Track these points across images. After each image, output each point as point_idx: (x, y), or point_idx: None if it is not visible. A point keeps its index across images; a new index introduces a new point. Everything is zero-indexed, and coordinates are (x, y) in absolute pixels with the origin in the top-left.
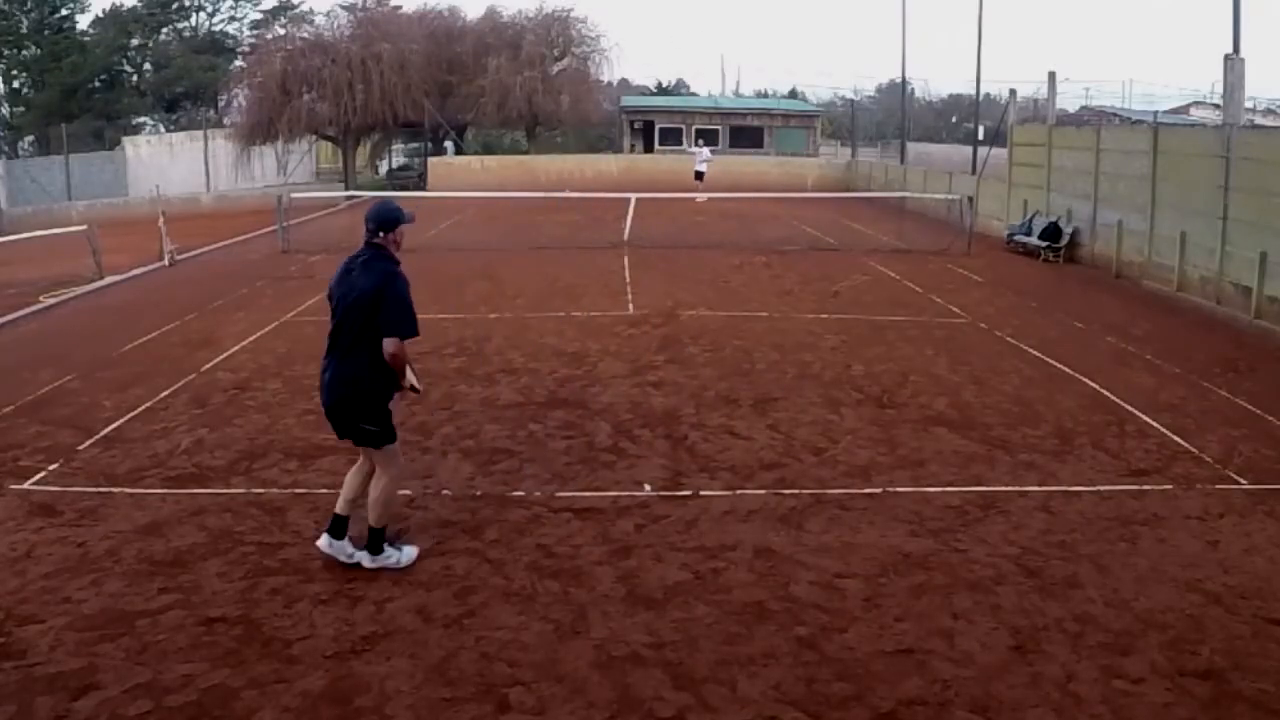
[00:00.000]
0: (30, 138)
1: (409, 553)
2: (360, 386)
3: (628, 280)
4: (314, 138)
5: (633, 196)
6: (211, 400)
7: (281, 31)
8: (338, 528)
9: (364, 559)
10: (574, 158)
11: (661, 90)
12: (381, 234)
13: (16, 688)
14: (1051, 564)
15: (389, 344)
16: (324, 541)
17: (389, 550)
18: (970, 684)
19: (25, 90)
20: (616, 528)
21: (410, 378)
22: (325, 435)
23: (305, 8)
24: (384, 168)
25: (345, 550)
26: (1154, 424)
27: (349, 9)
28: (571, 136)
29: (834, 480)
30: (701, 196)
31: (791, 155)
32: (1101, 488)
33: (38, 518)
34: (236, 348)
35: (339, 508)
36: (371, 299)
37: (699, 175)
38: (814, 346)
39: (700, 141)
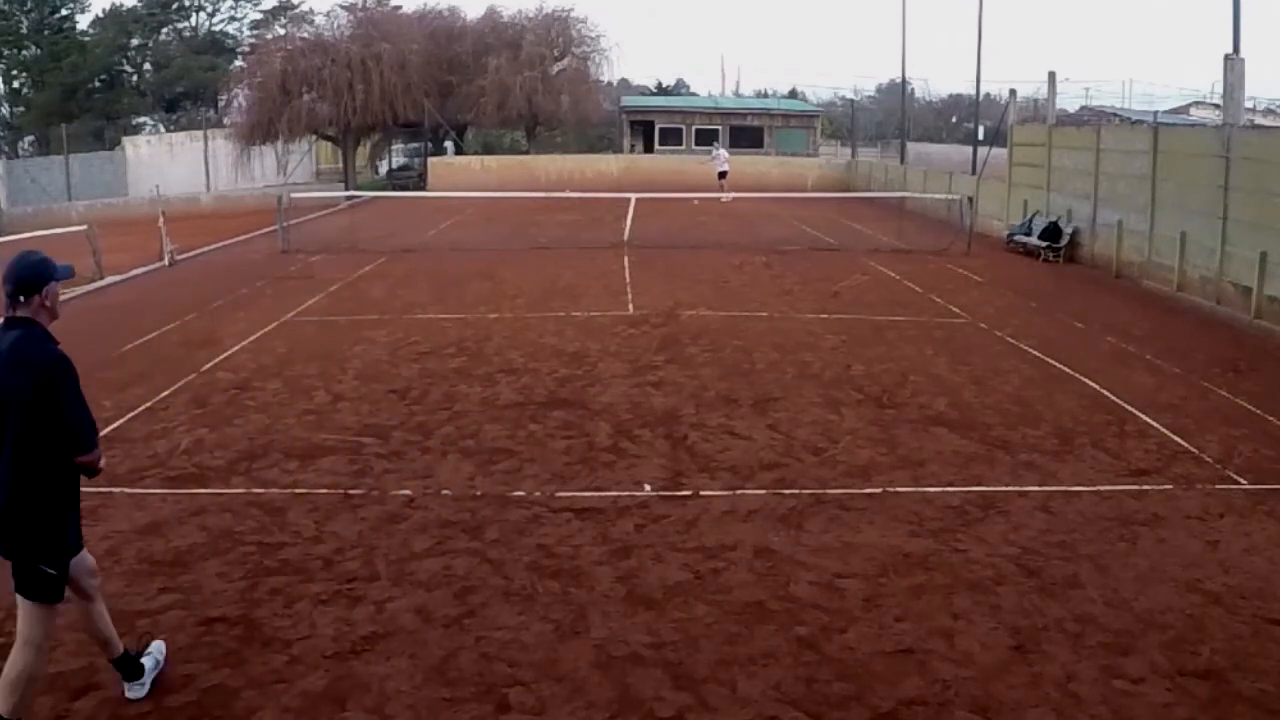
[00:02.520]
0: (30, 138)
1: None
2: (42, 511)
3: (628, 280)
4: (314, 138)
5: (633, 196)
6: (211, 400)
7: (281, 31)
8: (129, 667)
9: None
10: (574, 158)
11: (661, 90)
12: (23, 299)
13: None
14: (1051, 564)
15: (84, 461)
16: (137, 692)
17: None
18: (970, 684)
19: (25, 90)
20: (616, 528)
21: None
22: (325, 435)
23: (305, 8)
24: (384, 168)
25: (136, 689)
26: (1154, 424)
27: (349, 9)
28: (571, 136)
29: (834, 480)
30: (727, 197)
31: (791, 155)
32: (1101, 488)
33: None
34: (236, 348)
35: (112, 655)
36: (43, 398)
37: (722, 175)
38: (814, 346)
39: (716, 144)
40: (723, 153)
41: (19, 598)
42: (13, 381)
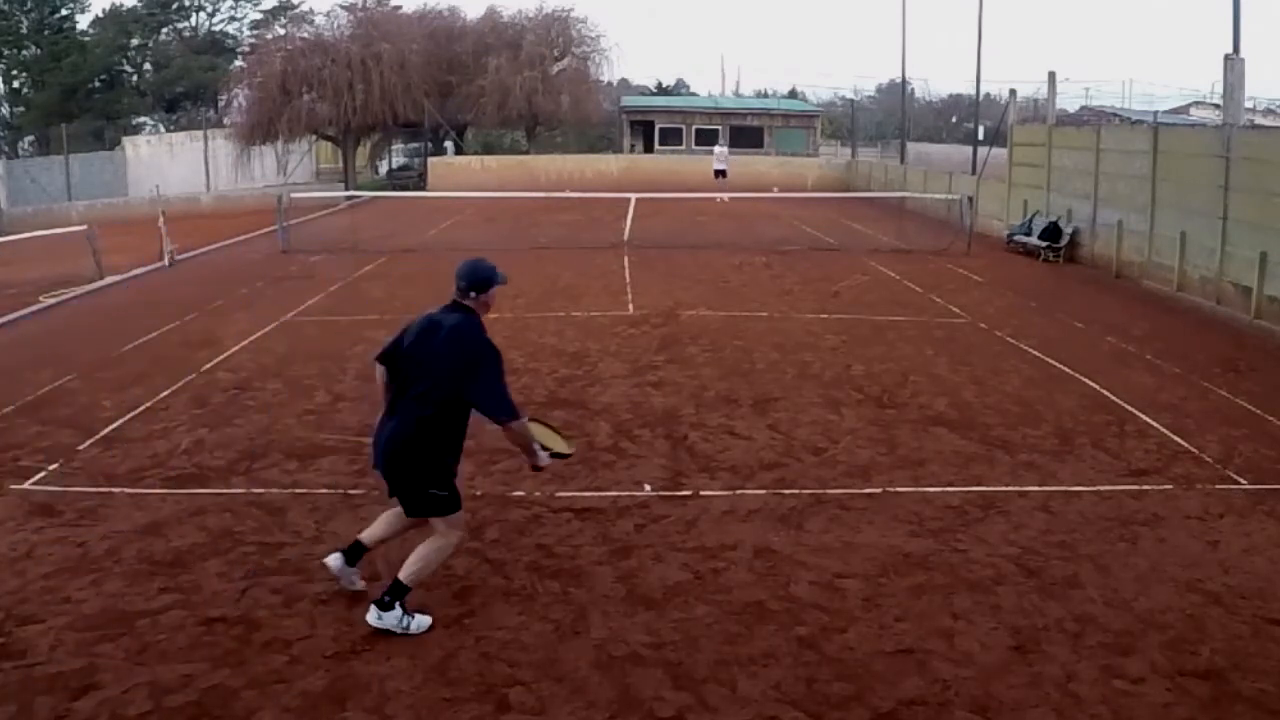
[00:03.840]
0: (30, 138)
1: (421, 622)
2: (430, 451)
3: (628, 280)
4: (314, 138)
5: (633, 196)
6: (211, 400)
7: (281, 31)
8: (355, 555)
9: (371, 616)
10: (574, 158)
11: (661, 90)
12: (474, 295)
13: (16, 688)
14: (1051, 564)
15: (507, 432)
16: (336, 562)
17: (400, 613)
18: (970, 684)
19: (25, 90)
20: (616, 528)
21: (540, 455)
22: (325, 435)
23: (305, 8)
24: (384, 168)
25: (351, 577)
26: (1154, 424)
27: (349, 9)
28: (571, 136)
29: (834, 480)
30: (724, 196)
31: (791, 155)
32: (1101, 488)
33: (38, 518)
34: (236, 348)
35: (366, 538)
36: (463, 371)
37: (722, 174)
38: (814, 346)
39: (721, 142)
40: (722, 150)
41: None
42: (446, 351)
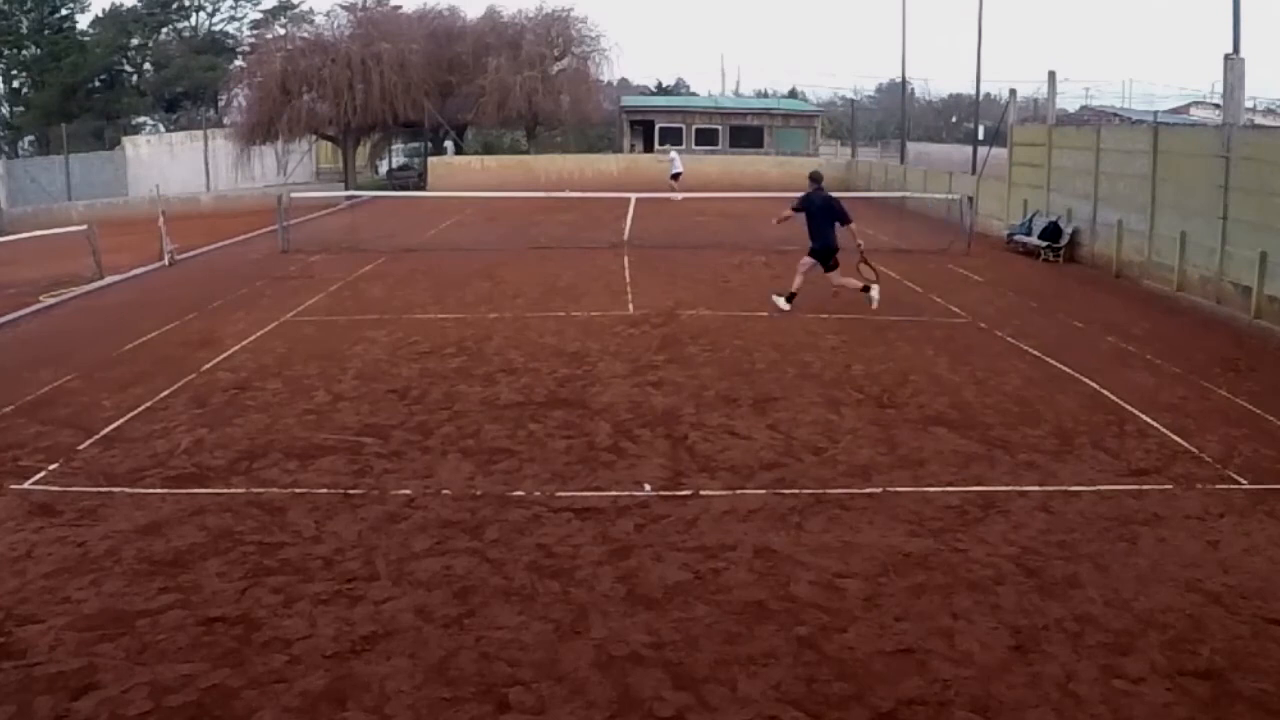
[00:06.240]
0: (30, 138)
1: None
2: (836, 243)
3: (628, 280)
4: (314, 138)
5: (633, 196)
6: (211, 400)
7: (281, 31)
8: (791, 298)
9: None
10: (574, 158)
11: (661, 90)
12: (819, 185)
13: (16, 688)
14: (1051, 564)
15: (850, 230)
16: (784, 303)
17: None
18: (970, 684)
19: (25, 90)
20: (616, 528)
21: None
22: (325, 435)
23: (305, 8)
24: (384, 167)
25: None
26: (1154, 424)
27: (349, 9)
28: (571, 136)
29: (834, 480)
30: (677, 195)
31: (791, 155)
32: (1101, 488)
33: (38, 518)
34: (236, 348)
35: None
36: (839, 209)
37: (675, 177)
38: (814, 346)
39: (666, 145)
40: (676, 156)
41: None
42: (830, 204)
